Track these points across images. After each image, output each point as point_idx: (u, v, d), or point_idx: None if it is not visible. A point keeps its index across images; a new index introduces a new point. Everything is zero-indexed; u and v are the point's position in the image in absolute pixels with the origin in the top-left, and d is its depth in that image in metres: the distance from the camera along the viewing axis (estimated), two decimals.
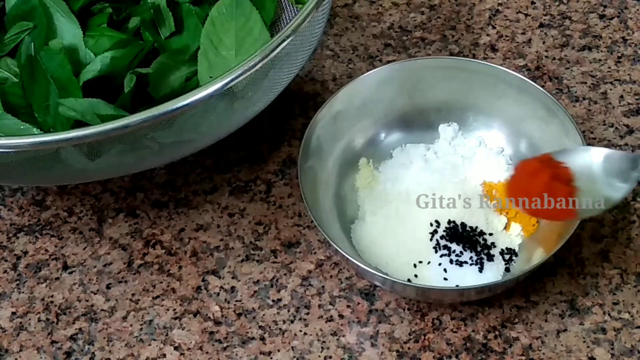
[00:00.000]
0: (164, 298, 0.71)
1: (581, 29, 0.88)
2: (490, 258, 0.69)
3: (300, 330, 0.69)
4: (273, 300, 0.71)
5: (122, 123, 0.62)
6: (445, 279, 0.68)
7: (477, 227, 0.70)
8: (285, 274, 0.72)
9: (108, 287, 0.72)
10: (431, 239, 0.70)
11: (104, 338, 0.70)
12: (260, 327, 0.69)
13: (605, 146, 0.78)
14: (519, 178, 0.67)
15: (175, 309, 0.71)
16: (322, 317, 0.70)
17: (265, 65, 0.65)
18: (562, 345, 0.68)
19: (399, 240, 0.70)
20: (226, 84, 0.64)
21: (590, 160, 0.66)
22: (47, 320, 0.71)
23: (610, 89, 0.82)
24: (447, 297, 0.69)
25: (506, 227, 0.71)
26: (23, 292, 0.73)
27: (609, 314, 0.69)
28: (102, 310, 0.71)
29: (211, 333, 0.69)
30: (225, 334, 0.69)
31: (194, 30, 0.76)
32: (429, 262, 0.69)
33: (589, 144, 0.77)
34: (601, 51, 0.86)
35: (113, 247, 0.75)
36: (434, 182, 0.73)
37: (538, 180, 0.64)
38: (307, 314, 0.70)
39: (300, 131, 0.80)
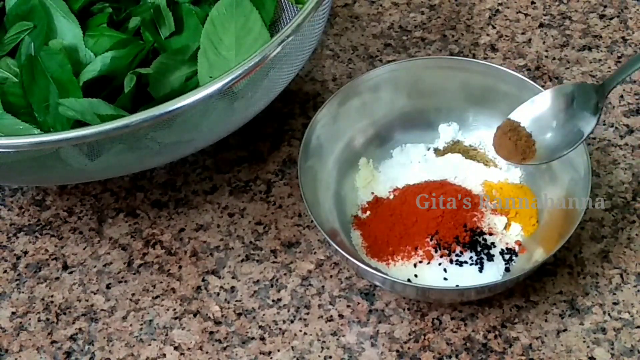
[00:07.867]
0: (164, 298, 0.71)
1: (581, 29, 0.88)
2: (490, 258, 0.69)
3: (300, 330, 0.69)
4: (273, 300, 0.71)
5: (122, 123, 0.62)
6: (445, 279, 0.68)
7: (477, 227, 0.70)
8: (285, 274, 0.72)
9: (108, 287, 0.72)
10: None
11: (104, 338, 0.70)
12: (260, 327, 0.69)
13: (605, 146, 0.78)
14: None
15: (175, 309, 0.71)
16: (322, 317, 0.70)
17: (265, 65, 0.65)
18: (562, 345, 0.68)
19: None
20: (226, 84, 0.64)
21: (546, 106, 0.69)
22: (47, 320, 0.71)
23: None
24: (447, 297, 0.69)
25: (506, 227, 0.71)
26: (23, 292, 0.73)
27: (609, 314, 0.69)
28: (102, 310, 0.71)
29: (211, 333, 0.69)
30: (225, 334, 0.69)
31: (194, 30, 0.76)
32: (429, 262, 0.69)
33: (589, 144, 0.77)
34: (601, 51, 0.86)
35: (113, 247, 0.75)
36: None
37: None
38: (307, 314, 0.70)
39: (300, 131, 0.80)
